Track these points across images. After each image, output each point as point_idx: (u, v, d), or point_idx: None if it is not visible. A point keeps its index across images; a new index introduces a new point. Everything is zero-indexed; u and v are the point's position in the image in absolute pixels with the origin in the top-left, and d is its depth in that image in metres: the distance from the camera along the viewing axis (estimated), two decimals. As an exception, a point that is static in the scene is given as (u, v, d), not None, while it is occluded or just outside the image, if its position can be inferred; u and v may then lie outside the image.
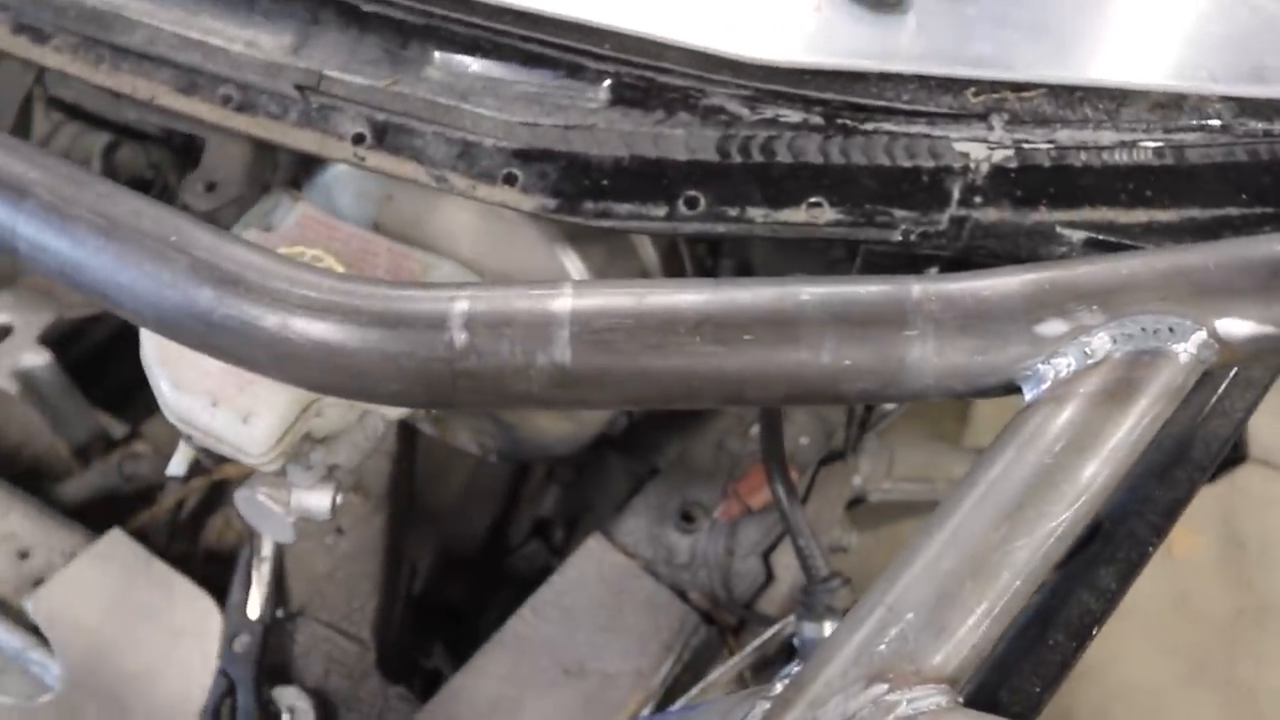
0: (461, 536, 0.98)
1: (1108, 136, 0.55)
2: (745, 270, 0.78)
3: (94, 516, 0.82)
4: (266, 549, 0.77)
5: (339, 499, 0.60)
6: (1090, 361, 0.44)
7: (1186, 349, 0.44)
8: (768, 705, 0.40)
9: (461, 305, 0.45)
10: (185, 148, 0.74)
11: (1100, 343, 0.44)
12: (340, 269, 0.59)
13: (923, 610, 0.40)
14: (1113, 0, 0.60)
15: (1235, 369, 0.54)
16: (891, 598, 0.41)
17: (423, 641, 0.88)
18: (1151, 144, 0.54)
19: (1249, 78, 0.58)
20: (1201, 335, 0.45)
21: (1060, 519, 0.41)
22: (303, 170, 0.70)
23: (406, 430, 0.84)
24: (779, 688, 0.40)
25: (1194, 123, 0.56)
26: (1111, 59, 0.58)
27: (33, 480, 0.84)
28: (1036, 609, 0.49)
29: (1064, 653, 0.48)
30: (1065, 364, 0.44)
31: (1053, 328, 0.44)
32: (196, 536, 0.86)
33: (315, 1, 0.60)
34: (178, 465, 0.64)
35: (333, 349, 0.45)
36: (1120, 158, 0.54)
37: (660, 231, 0.55)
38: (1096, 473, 0.42)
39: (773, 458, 0.68)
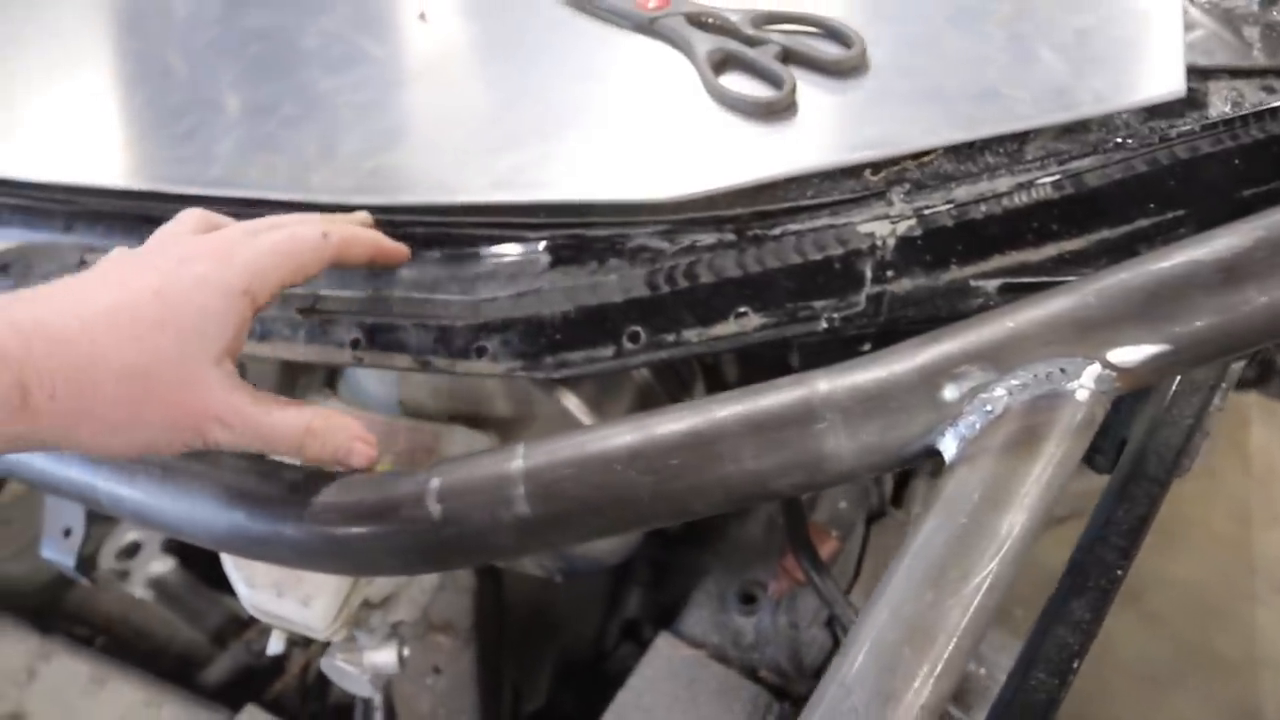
0: (569, 648, 1.05)
1: (1004, 182, 0.57)
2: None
3: (237, 694, 0.94)
4: (377, 698, 0.86)
5: (406, 651, 0.68)
6: (992, 417, 0.47)
7: (1083, 385, 0.47)
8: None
9: (434, 483, 0.52)
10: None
11: (998, 397, 0.47)
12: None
13: (868, 682, 0.43)
14: (991, 53, 0.63)
15: (1179, 378, 0.55)
16: (843, 674, 0.44)
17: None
18: (1048, 179, 0.57)
19: (1130, 89, 0.60)
20: (1096, 369, 0.47)
21: (984, 573, 0.44)
22: (336, 369, 0.81)
23: (483, 566, 0.91)
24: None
25: (1090, 147, 0.58)
26: (1000, 108, 0.61)
27: (182, 670, 0.96)
28: (1020, 653, 0.51)
29: (1048, 690, 0.49)
30: (970, 424, 0.47)
31: (952, 392, 0.48)
32: (325, 694, 0.95)
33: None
34: (276, 645, 0.73)
35: (340, 542, 0.53)
36: (1020, 199, 0.57)
37: (612, 369, 0.61)
38: (1013, 522, 0.45)
39: (796, 538, 0.71)
